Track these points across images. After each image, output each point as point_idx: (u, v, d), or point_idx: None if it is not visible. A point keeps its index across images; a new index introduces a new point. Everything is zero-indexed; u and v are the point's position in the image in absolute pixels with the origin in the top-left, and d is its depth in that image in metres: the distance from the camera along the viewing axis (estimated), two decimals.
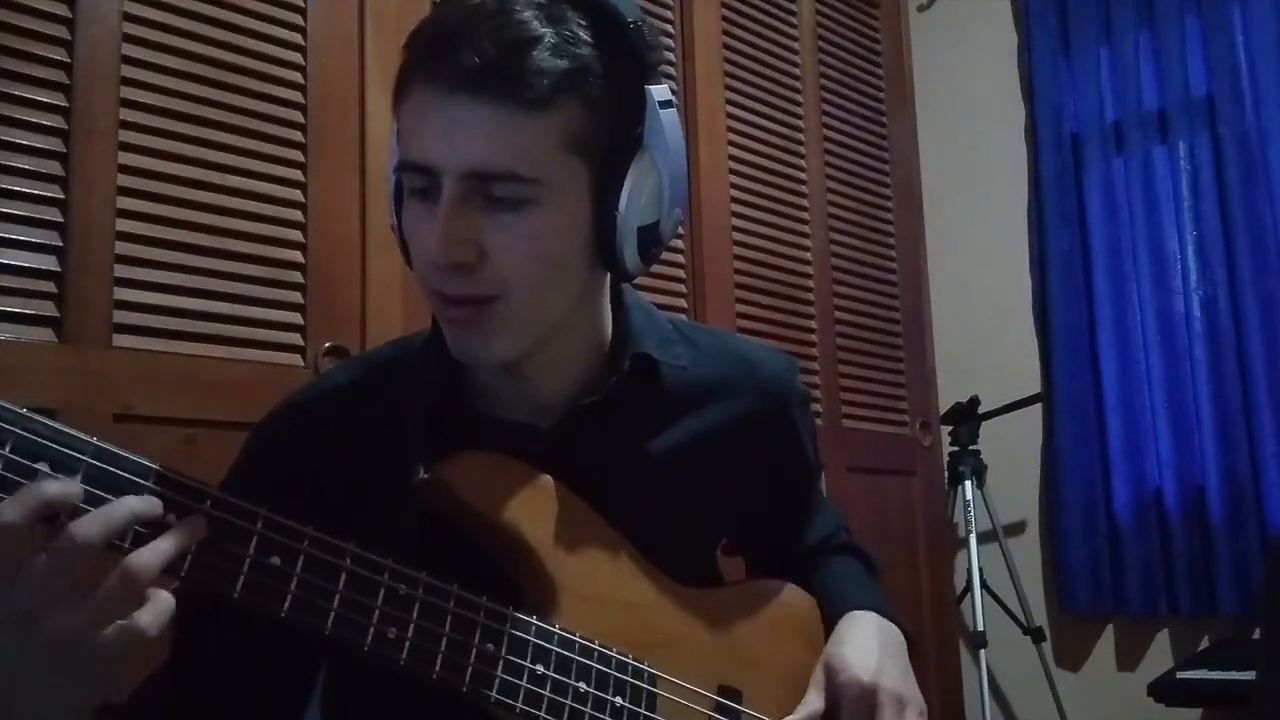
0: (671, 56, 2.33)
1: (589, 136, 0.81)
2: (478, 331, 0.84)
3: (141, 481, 0.71)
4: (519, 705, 0.81)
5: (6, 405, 0.68)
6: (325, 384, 0.99)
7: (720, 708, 0.92)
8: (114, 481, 0.70)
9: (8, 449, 0.67)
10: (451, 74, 0.77)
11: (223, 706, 0.89)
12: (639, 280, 0.99)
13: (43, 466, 0.68)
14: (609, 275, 0.94)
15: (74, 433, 0.69)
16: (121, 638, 0.67)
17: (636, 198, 0.84)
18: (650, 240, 0.87)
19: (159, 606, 0.69)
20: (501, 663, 0.81)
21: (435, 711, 0.83)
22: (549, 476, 0.88)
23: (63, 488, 0.66)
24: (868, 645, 0.97)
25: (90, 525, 0.66)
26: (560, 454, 0.90)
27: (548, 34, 0.79)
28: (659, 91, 0.85)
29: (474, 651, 0.80)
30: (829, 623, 1.02)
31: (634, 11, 0.83)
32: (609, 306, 0.96)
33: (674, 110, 0.86)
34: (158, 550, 0.68)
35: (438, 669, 0.78)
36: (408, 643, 0.77)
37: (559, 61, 0.78)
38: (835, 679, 0.95)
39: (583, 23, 0.81)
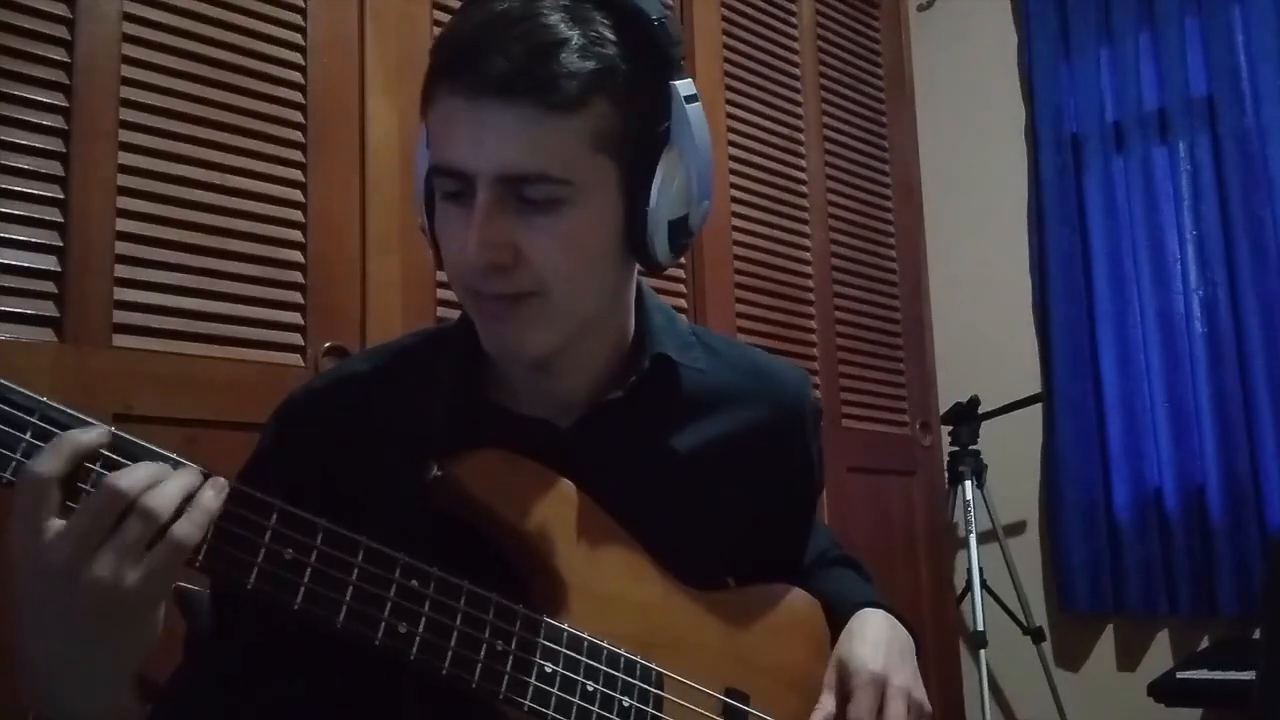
0: None
1: (617, 135, 0.82)
2: (514, 325, 0.84)
3: None
4: (527, 703, 0.81)
5: (26, 392, 0.69)
6: (346, 370, 0.99)
7: (727, 710, 0.91)
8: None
9: (29, 434, 0.69)
10: (481, 79, 0.77)
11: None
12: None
13: None
14: (636, 271, 0.95)
15: (91, 420, 0.71)
16: (165, 558, 0.69)
17: (666, 192, 0.85)
18: (681, 233, 0.88)
19: (194, 514, 0.70)
20: (511, 660, 0.80)
21: (442, 709, 0.83)
22: (560, 475, 0.88)
23: (93, 434, 0.69)
24: (878, 640, 0.97)
25: (125, 477, 0.68)
26: (579, 451, 0.90)
27: (574, 35, 0.79)
28: (684, 86, 0.85)
29: (484, 648, 0.80)
30: (836, 626, 1.02)
31: (656, 8, 0.84)
32: (634, 304, 0.97)
33: (699, 104, 0.86)
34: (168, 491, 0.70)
35: (447, 665, 0.78)
36: (418, 638, 0.77)
37: (586, 63, 0.79)
38: (845, 670, 0.95)
39: (607, 22, 0.81)
